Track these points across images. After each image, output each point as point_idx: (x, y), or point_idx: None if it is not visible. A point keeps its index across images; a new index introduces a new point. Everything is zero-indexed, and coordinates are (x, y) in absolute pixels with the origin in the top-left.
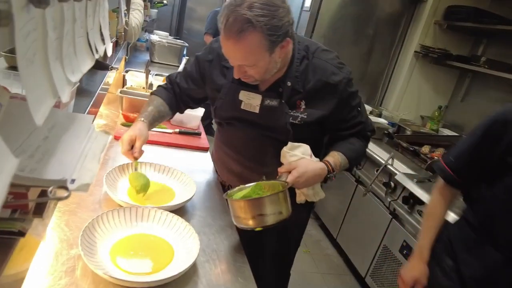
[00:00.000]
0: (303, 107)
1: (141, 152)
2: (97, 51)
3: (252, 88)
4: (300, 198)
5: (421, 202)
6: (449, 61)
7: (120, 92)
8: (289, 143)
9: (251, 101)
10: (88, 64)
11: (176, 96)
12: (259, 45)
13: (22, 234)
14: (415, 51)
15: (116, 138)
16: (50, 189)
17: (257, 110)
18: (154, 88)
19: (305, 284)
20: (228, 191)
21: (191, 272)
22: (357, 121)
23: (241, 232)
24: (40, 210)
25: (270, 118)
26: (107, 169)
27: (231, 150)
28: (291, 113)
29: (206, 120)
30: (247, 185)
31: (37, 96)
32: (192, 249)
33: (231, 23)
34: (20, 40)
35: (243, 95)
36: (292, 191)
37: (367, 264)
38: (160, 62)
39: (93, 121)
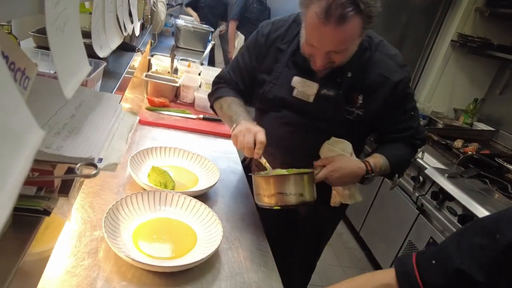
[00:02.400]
0: (360, 102)
1: (263, 146)
2: (125, 29)
3: (308, 75)
4: (335, 200)
5: (452, 198)
6: (489, 51)
7: (146, 76)
8: (332, 138)
9: (305, 89)
10: (117, 41)
11: (240, 93)
12: (358, 30)
13: (47, 213)
14: (451, 40)
15: (141, 122)
16: (77, 166)
17: (311, 99)
18: (180, 72)
19: (325, 276)
20: (256, 172)
21: (213, 259)
22: (408, 126)
23: (270, 221)
24: (65, 189)
25: (325, 109)
26: (131, 153)
27: (271, 142)
28: (347, 108)
29: None
30: (276, 170)
31: (68, 67)
32: (215, 235)
33: (335, 6)
34: (49, 5)
35: (297, 82)
36: (327, 192)
37: (390, 259)
38: (185, 47)
39: (120, 101)
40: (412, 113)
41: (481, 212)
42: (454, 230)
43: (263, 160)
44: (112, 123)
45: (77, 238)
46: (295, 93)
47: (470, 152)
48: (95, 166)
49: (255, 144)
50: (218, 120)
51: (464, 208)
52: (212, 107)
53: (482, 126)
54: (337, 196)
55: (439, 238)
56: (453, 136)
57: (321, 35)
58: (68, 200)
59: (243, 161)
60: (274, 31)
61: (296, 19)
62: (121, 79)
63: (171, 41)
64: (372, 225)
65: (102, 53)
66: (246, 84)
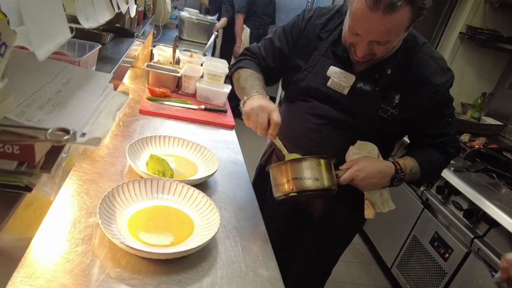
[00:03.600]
0: (396, 101)
1: (278, 125)
2: (118, 7)
3: (345, 66)
4: (368, 211)
5: (457, 193)
6: (499, 43)
7: (147, 66)
8: (358, 142)
9: (341, 81)
10: (107, 16)
11: (262, 70)
12: (405, 22)
13: (29, 189)
14: (460, 32)
15: (142, 112)
16: (49, 131)
17: (345, 92)
18: (182, 63)
19: None
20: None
21: (210, 247)
22: (444, 132)
23: (280, 225)
24: (48, 165)
25: (359, 103)
26: (131, 142)
27: (297, 132)
28: (382, 105)
29: (233, 101)
30: (292, 154)
31: (42, 29)
32: (212, 224)
33: None
34: None
35: (334, 72)
36: (359, 203)
37: (394, 254)
38: (189, 39)
39: (110, 80)
40: (450, 119)
41: (487, 206)
42: (460, 225)
43: (278, 142)
44: (100, 100)
45: (72, 225)
46: (329, 83)
47: (477, 146)
48: (67, 132)
49: (269, 123)
50: (219, 111)
51: (470, 202)
52: (230, 77)
53: (490, 121)
54: (370, 206)
55: (444, 233)
56: (460, 130)
57: (366, 23)
58: (53, 178)
59: (261, 158)
60: (316, 18)
61: (340, 10)
62: (117, 65)
63: (175, 33)
64: (376, 219)
65: (88, 24)
66: (276, 63)
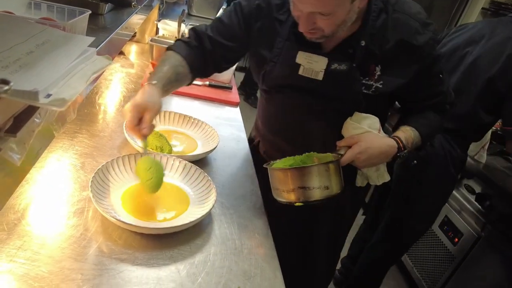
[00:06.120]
0: (378, 73)
1: (151, 127)
2: None
3: (314, 48)
4: (362, 180)
5: (470, 176)
6: None
7: (151, 41)
8: (355, 114)
9: (313, 66)
10: None
11: (206, 54)
12: None
13: None
14: (482, 8)
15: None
16: None
17: (320, 77)
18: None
19: None
20: (271, 162)
21: (205, 223)
22: (437, 91)
23: (291, 212)
24: (16, 129)
25: (337, 86)
26: None
27: (278, 129)
28: (364, 81)
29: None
30: (294, 156)
31: None
32: (208, 200)
33: None
34: None
35: (302, 58)
36: (351, 171)
37: None
38: (198, 15)
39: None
40: (441, 75)
41: (501, 190)
42: (471, 209)
43: (145, 144)
44: (75, 63)
45: (65, 198)
46: (301, 71)
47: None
48: (6, 83)
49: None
50: (224, 87)
51: (483, 186)
52: None
53: None
54: (363, 176)
55: (455, 217)
56: None
57: None
58: (23, 144)
59: (251, 140)
60: None
61: None
62: (111, 35)
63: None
64: None
65: None
66: (228, 41)
